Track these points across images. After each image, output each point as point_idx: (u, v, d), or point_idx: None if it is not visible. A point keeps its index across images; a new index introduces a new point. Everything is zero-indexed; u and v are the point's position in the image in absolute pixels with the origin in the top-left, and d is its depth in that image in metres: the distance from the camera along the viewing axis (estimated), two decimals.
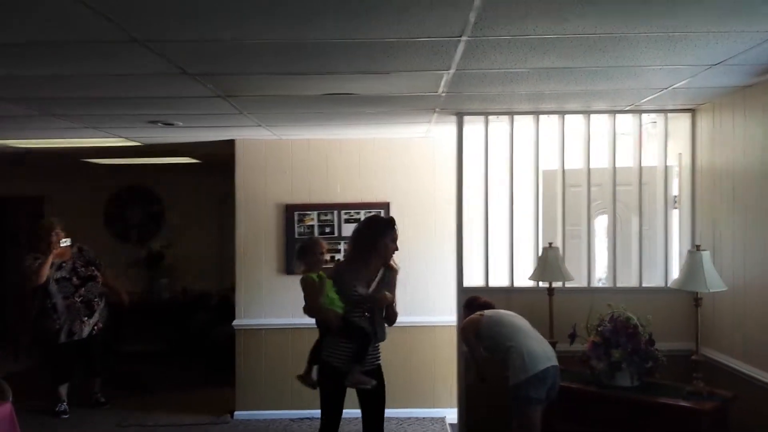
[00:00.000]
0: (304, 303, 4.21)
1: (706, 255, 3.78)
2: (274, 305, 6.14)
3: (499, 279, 4.78)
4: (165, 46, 2.87)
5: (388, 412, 6.05)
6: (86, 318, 6.16)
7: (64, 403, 6.29)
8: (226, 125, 5.28)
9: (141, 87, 3.75)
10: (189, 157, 7.78)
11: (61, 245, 6.10)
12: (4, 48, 2.87)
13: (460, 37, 2.73)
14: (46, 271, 5.99)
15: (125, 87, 3.76)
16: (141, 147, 6.51)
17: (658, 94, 4.04)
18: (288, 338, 6.13)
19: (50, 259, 6.01)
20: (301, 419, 6.06)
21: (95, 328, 6.28)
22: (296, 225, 6.15)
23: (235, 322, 6.26)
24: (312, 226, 6.15)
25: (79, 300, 6.12)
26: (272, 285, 6.16)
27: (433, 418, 6.05)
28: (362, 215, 6.12)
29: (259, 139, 6.09)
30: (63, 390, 6.29)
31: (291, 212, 6.15)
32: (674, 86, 3.80)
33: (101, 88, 3.80)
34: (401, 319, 5.61)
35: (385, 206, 6.14)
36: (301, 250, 4.35)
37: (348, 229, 6.10)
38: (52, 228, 6.14)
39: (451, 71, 3.36)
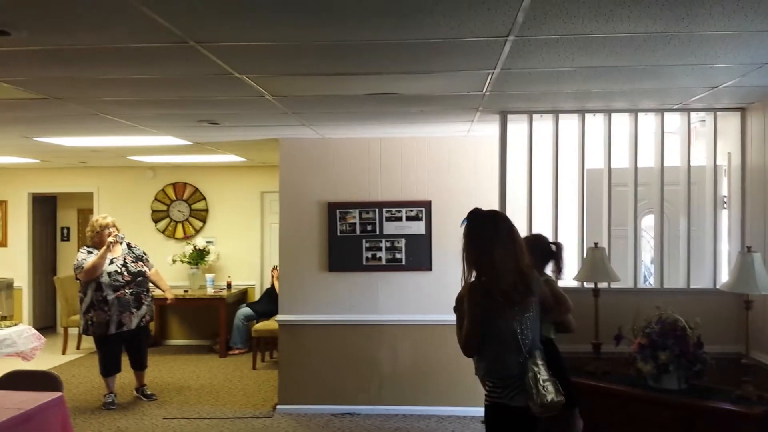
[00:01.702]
0: (560, 314, 3.76)
1: (757, 257, 3.70)
2: (317, 302, 6.21)
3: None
4: (216, 49, 2.93)
5: (429, 410, 6.13)
6: (135, 310, 6.33)
7: (113, 395, 6.46)
8: (270, 124, 5.36)
9: (191, 88, 3.84)
10: (234, 154, 7.91)
11: (118, 241, 6.29)
12: (67, 52, 2.98)
13: (507, 36, 2.73)
14: (102, 266, 6.17)
15: (176, 89, 3.85)
16: (188, 146, 6.64)
17: (708, 92, 3.96)
18: (329, 334, 6.20)
19: (107, 254, 6.19)
20: (343, 414, 6.12)
21: (143, 320, 6.44)
22: (338, 223, 6.20)
23: (278, 317, 6.35)
24: (354, 224, 6.19)
25: (129, 292, 6.28)
26: (314, 282, 6.23)
27: (473, 417, 6.05)
28: (404, 213, 6.15)
29: (302, 137, 6.16)
30: (111, 382, 6.47)
31: (333, 210, 6.21)
32: (724, 85, 3.72)
33: (153, 91, 3.90)
34: (442, 317, 5.67)
35: (427, 205, 6.15)
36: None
37: (390, 228, 6.15)
38: (107, 224, 6.34)
39: (497, 71, 3.35)
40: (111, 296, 6.21)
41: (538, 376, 3.10)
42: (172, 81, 3.65)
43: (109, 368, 6.45)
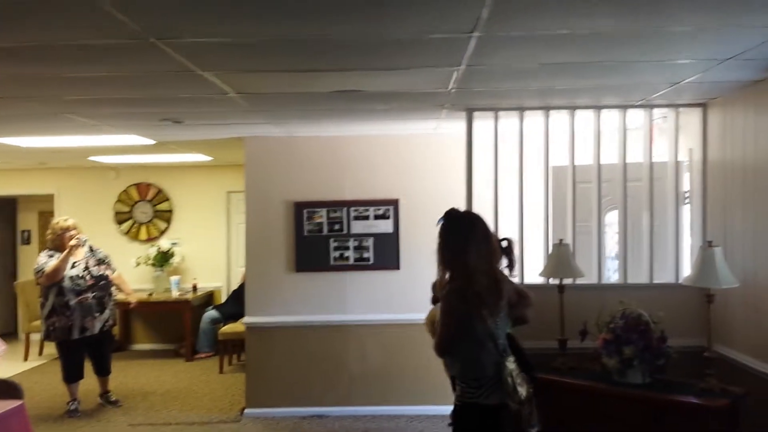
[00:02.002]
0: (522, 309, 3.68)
1: (718, 251, 3.76)
2: (284, 303, 6.16)
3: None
4: (177, 45, 2.88)
5: (398, 410, 6.12)
6: (98, 314, 6.20)
7: (76, 402, 6.33)
8: (235, 122, 5.30)
9: (153, 86, 3.77)
10: (199, 153, 7.81)
11: (80, 244, 6.15)
12: (24, 50, 2.91)
13: (472, 33, 2.72)
14: (63, 270, 6.03)
15: (138, 87, 3.78)
16: (151, 145, 6.53)
17: (670, 88, 4.02)
18: (297, 336, 6.15)
19: (68, 258, 6.04)
20: (311, 417, 6.08)
21: (106, 324, 6.32)
22: (305, 222, 6.15)
23: (244, 320, 6.28)
24: (321, 223, 6.15)
25: (91, 296, 6.15)
26: (281, 283, 6.17)
27: (443, 416, 6.03)
28: (371, 212, 6.14)
29: (268, 135, 6.10)
30: (75, 388, 6.33)
31: (300, 209, 6.16)
32: (686, 81, 3.78)
33: (114, 89, 3.83)
34: (411, 316, 5.67)
35: (395, 203, 6.14)
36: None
37: (357, 227, 6.13)
38: (68, 226, 6.19)
39: (462, 67, 3.35)
40: (73, 301, 6.08)
41: (513, 373, 3.17)
42: (133, 79, 3.58)
43: (73, 374, 6.32)
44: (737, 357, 4.09)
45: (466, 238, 3.20)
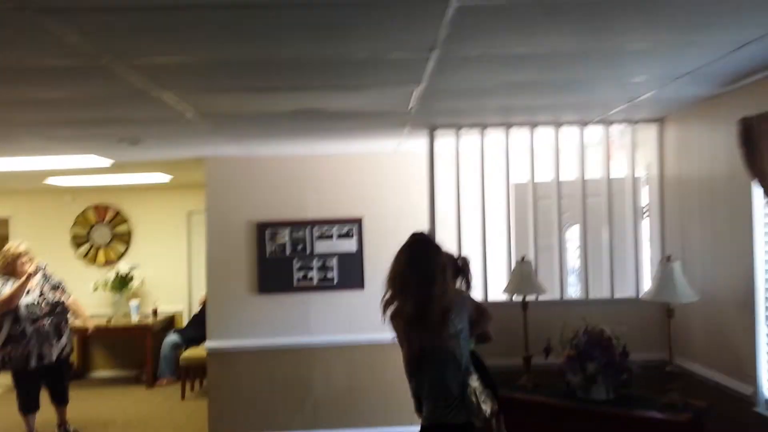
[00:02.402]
0: (484, 326, 3.74)
1: (677, 266, 3.81)
2: (246, 326, 6.05)
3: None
4: (132, 67, 2.82)
5: (364, 431, 6.03)
6: (55, 341, 6.01)
7: None
8: (195, 143, 5.21)
9: (108, 107, 3.69)
10: (158, 173, 7.67)
11: (38, 271, 5.96)
12: None
13: (431, 53, 2.72)
14: (19, 297, 5.82)
15: (92, 108, 3.69)
16: (108, 167, 6.40)
17: (627, 105, 4.08)
18: (262, 360, 6.04)
19: (26, 285, 5.84)
20: None
21: (64, 351, 6.13)
22: (267, 243, 6.08)
23: (206, 345, 6.15)
24: (284, 244, 6.08)
25: (48, 323, 5.96)
26: (244, 305, 6.07)
27: None
28: (335, 231, 6.09)
29: (229, 155, 6.03)
30: (32, 420, 6.08)
31: (262, 230, 6.08)
32: (642, 97, 3.84)
33: (68, 110, 3.73)
34: (376, 336, 5.61)
35: (358, 222, 6.11)
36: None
37: (321, 247, 6.07)
38: (20, 253, 5.99)
39: (422, 86, 3.35)
40: (29, 328, 5.87)
41: (476, 391, 3.24)
42: (87, 100, 3.50)
43: (29, 405, 6.08)
44: (699, 370, 4.13)
45: (403, 261, 3.30)
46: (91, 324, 6.68)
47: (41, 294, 6.02)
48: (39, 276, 6.09)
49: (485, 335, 3.86)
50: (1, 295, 5.81)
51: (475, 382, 3.27)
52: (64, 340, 6.11)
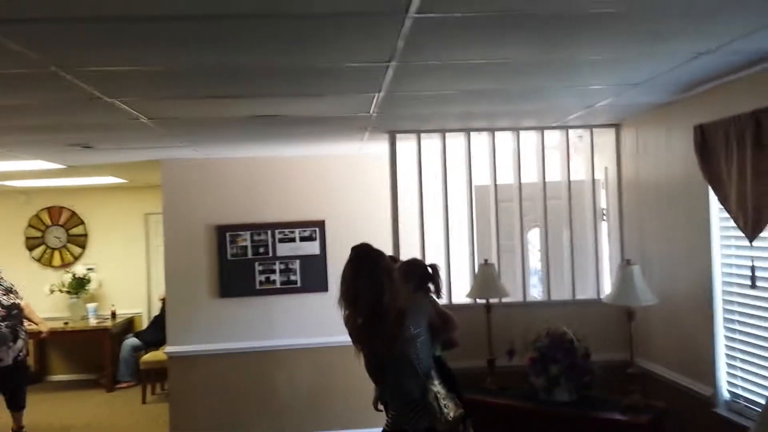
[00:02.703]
0: (448, 332, 3.76)
1: (636, 269, 3.86)
2: (208, 330, 5.95)
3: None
4: (82, 74, 2.72)
5: None
6: (11, 344, 5.84)
7: None
8: (150, 146, 5.09)
9: (58, 114, 3.58)
10: (113, 176, 7.50)
11: None
12: None
13: (389, 62, 2.69)
14: None
15: (42, 114, 3.58)
16: (62, 169, 6.23)
17: (584, 111, 4.11)
18: (224, 363, 5.96)
19: None
20: None
21: (20, 354, 5.96)
22: (229, 246, 5.98)
23: (166, 349, 6.04)
24: (245, 246, 5.99)
25: (4, 325, 5.79)
26: (205, 309, 5.97)
27: None
28: (297, 234, 6.03)
29: (186, 158, 5.90)
30: None
31: (222, 233, 5.98)
32: (599, 104, 3.87)
33: (16, 117, 3.61)
34: (340, 338, 5.56)
35: (320, 224, 6.05)
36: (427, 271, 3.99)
37: (283, 249, 6.00)
38: None
39: (382, 94, 3.31)
40: None
41: (438, 395, 3.24)
42: (36, 106, 3.38)
43: None
44: (659, 371, 4.20)
45: (350, 274, 3.29)
46: (45, 327, 6.51)
47: None
48: None
49: (451, 341, 3.86)
50: None
51: (436, 386, 3.27)
52: (20, 343, 5.96)
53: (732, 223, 3.27)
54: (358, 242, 3.64)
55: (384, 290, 3.21)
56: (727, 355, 3.61)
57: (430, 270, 4.02)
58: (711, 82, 3.32)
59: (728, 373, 3.61)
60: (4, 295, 5.97)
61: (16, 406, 6.16)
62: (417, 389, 3.25)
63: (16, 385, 6.09)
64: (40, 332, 6.53)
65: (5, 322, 5.85)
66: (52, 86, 2.89)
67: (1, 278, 6.10)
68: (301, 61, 2.66)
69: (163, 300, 8.37)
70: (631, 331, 3.95)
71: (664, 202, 4.10)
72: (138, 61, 2.60)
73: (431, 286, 3.99)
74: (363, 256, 3.36)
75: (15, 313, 5.98)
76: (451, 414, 3.23)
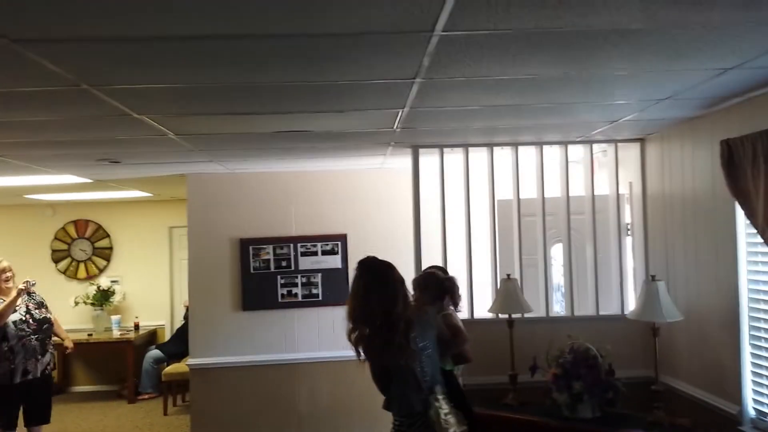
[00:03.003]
0: (459, 346, 3.73)
1: (661, 285, 3.83)
2: (230, 343, 5.99)
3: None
4: (112, 91, 2.79)
5: None
6: (40, 357, 5.87)
7: None
8: (176, 161, 5.17)
9: (87, 129, 3.65)
10: (139, 190, 7.60)
11: (28, 286, 5.81)
12: None
13: (414, 79, 2.72)
14: (9, 314, 5.66)
15: (72, 130, 3.65)
16: (88, 183, 6.33)
17: (608, 126, 4.10)
18: (245, 376, 5.99)
19: (16, 300, 5.70)
20: None
21: (48, 368, 5.98)
22: (251, 259, 6.03)
23: (188, 361, 6.08)
24: (268, 260, 6.04)
25: (35, 338, 5.82)
26: (227, 322, 6.01)
27: None
28: (319, 248, 6.06)
29: (210, 172, 5.97)
30: None
31: (246, 246, 6.03)
32: (623, 119, 3.86)
33: (47, 132, 3.69)
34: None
35: (342, 238, 6.08)
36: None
37: (305, 263, 6.03)
38: (4, 268, 5.84)
39: (406, 109, 3.34)
40: (17, 345, 5.69)
41: (440, 410, 3.20)
42: (67, 122, 3.45)
43: (9, 424, 5.90)
44: (684, 388, 4.15)
45: (358, 294, 3.28)
46: (70, 343, 6.54)
47: (27, 311, 5.88)
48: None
49: (462, 356, 3.80)
50: None
51: (440, 402, 3.22)
52: (48, 357, 5.97)
53: (759, 239, 3.24)
54: (379, 256, 3.65)
55: (396, 301, 3.21)
56: (753, 372, 3.56)
57: (447, 283, 4.01)
58: (737, 98, 3.31)
59: (754, 390, 3.56)
60: (36, 309, 5.98)
61: (41, 419, 6.11)
62: (419, 403, 3.22)
63: (43, 399, 6.09)
64: (65, 347, 6.52)
65: (36, 336, 5.88)
66: (83, 103, 2.96)
67: (34, 292, 6.12)
68: (326, 78, 2.69)
69: (188, 307, 8.48)
70: (656, 348, 3.91)
71: (690, 218, 4.07)
72: (166, 79, 2.66)
73: (449, 299, 3.98)
74: (372, 269, 3.35)
75: (46, 328, 5.99)
76: (451, 429, 3.18)
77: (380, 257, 3.49)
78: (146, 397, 8.37)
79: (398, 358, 3.21)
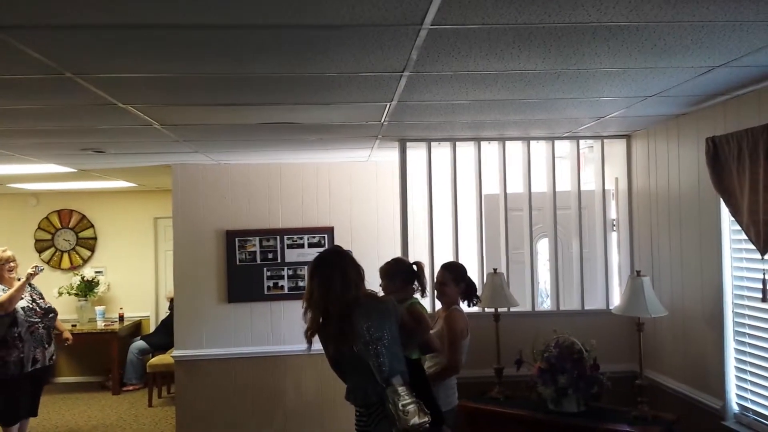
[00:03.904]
0: (421, 335, 3.61)
1: (646, 281, 3.85)
2: (215, 335, 5.97)
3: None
4: (96, 80, 2.75)
5: None
6: (47, 345, 5.79)
7: None
8: (161, 151, 5.12)
9: (71, 118, 3.60)
10: (124, 180, 7.53)
11: (36, 272, 5.72)
12: None
13: (402, 72, 2.70)
14: (18, 299, 5.57)
15: (55, 119, 3.60)
16: (72, 173, 6.26)
17: (595, 122, 4.11)
18: (230, 368, 5.97)
19: (24, 286, 5.60)
20: None
21: (53, 358, 5.90)
22: (237, 251, 6.00)
23: (173, 353, 6.05)
24: (254, 252, 6.01)
25: (41, 326, 5.74)
26: (213, 314, 5.98)
27: None
28: (306, 240, 6.04)
29: (196, 163, 5.93)
30: (18, 430, 5.75)
31: (231, 238, 6.00)
32: (610, 116, 3.87)
33: (30, 120, 3.63)
34: None
35: (329, 231, 6.06)
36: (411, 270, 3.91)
37: (292, 255, 6.01)
38: (9, 257, 5.75)
39: (394, 103, 3.33)
40: (25, 333, 5.59)
41: (398, 401, 3.12)
42: (50, 111, 3.40)
43: (15, 415, 5.66)
44: (668, 383, 4.18)
45: (311, 278, 3.32)
46: (68, 333, 6.41)
47: (32, 300, 5.80)
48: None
49: (427, 345, 3.67)
50: None
51: (399, 392, 3.15)
52: (53, 346, 5.89)
53: (743, 236, 3.27)
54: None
55: (341, 290, 3.19)
56: (737, 368, 3.59)
57: (414, 268, 3.97)
58: (722, 96, 3.32)
59: (737, 386, 3.60)
60: (40, 298, 5.91)
61: (31, 412, 5.98)
62: (374, 394, 3.17)
63: (39, 391, 5.96)
64: (65, 338, 6.39)
65: (42, 324, 5.79)
66: (67, 92, 2.92)
67: (33, 282, 6.00)
68: (313, 70, 2.67)
69: (171, 299, 8.44)
70: (641, 343, 3.94)
71: (675, 214, 4.09)
72: (151, 69, 2.62)
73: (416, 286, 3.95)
74: (318, 258, 3.38)
75: (51, 317, 5.89)
76: (411, 421, 3.10)
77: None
78: (131, 388, 8.34)
79: (341, 347, 3.20)
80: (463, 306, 4.14)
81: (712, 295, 3.69)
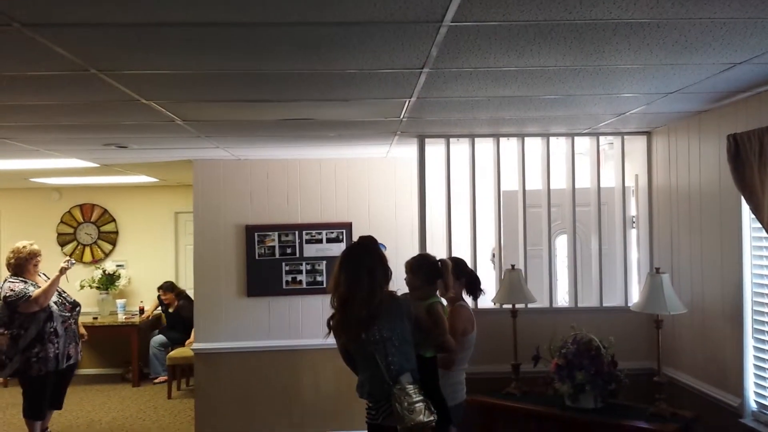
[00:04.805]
0: (438, 336, 3.54)
1: (665, 278, 3.84)
2: (234, 328, 6.03)
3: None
4: (120, 77, 2.80)
5: None
6: (78, 341, 5.86)
7: None
8: (183, 147, 5.18)
9: (95, 114, 3.66)
10: (145, 175, 7.62)
11: (69, 266, 5.78)
12: None
13: (422, 69, 2.72)
14: (53, 293, 5.59)
15: (79, 114, 3.66)
16: (95, 167, 6.35)
17: (615, 119, 4.10)
18: (249, 362, 6.03)
19: (59, 279, 5.61)
20: None
21: (80, 353, 5.96)
22: (257, 246, 6.05)
23: (193, 346, 6.12)
24: (273, 247, 6.06)
25: (72, 322, 5.79)
26: (232, 307, 6.04)
27: None
28: (324, 235, 6.08)
29: (217, 159, 5.98)
30: (38, 428, 5.76)
31: (251, 233, 6.06)
32: (630, 112, 3.86)
33: (54, 116, 3.69)
34: None
35: (347, 226, 6.09)
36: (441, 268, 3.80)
37: (310, 250, 6.05)
38: (36, 251, 5.78)
39: (413, 99, 3.35)
40: (60, 328, 5.62)
41: (404, 398, 3.16)
42: (75, 107, 3.46)
43: (43, 409, 5.71)
44: (686, 380, 4.17)
45: (340, 269, 3.34)
46: (84, 330, 6.45)
47: (60, 294, 5.82)
48: (44, 278, 5.83)
49: (442, 345, 3.60)
50: (32, 292, 5.48)
51: (406, 391, 3.18)
52: (79, 342, 5.94)
53: (764, 234, 3.25)
54: (384, 244, 3.63)
55: (360, 284, 3.24)
56: (756, 366, 3.57)
57: (440, 265, 3.94)
58: (744, 93, 3.30)
59: (756, 383, 3.58)
60: (65, 292, 5.93)
61: (56, 405, 6.02)
62: (381, 391, 3.23)
63: (67, 385, 5.99)
64: (81, 334, 6.42)
65: (72, 320, 5.80)
66: (91, 88, 2.97)
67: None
68: (333, 67, 2.70)
69: (159, 296, 8.54)
70: (659, 340, 3.92)
71: (696, 211, 4.07)
72: (174, 66, 2.66)
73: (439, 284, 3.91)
74: (347, 250, 3.48)
75: (77, 311, 5.93)
76: (417, 419, 3.13)
77: (385, 246, 3.49)
78: (161, 380, 8.37)
79: (353, 341, 3.28)
80: (469, 300, 4.12)
81: (732, 293, 3.67)
